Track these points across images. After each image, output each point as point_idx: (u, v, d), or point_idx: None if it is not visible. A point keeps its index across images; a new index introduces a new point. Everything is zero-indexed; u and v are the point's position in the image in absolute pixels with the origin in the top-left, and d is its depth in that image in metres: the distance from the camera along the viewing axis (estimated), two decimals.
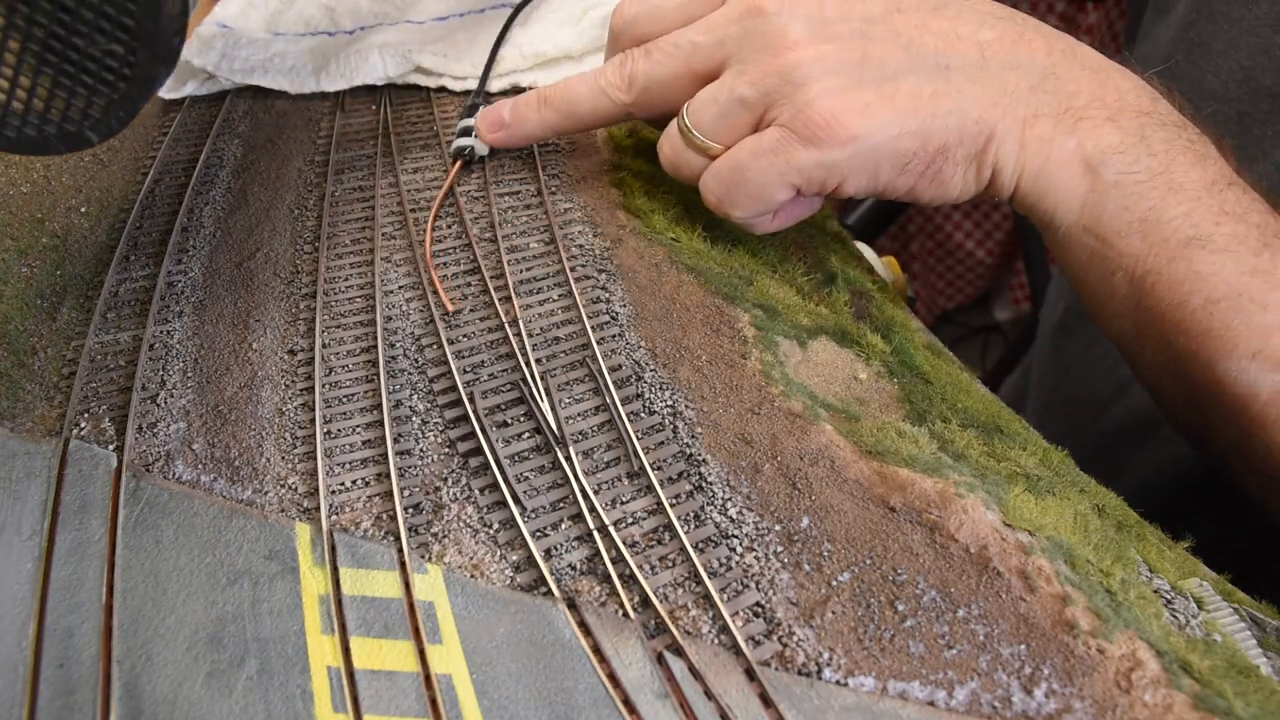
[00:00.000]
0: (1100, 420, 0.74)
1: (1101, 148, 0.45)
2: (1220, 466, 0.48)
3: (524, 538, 0.36)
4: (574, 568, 0.36)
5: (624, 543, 0.36)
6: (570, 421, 0.41)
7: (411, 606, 0.34)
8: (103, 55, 0.36)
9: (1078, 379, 0.79)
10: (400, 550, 0.36)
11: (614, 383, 0.43)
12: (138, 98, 0.37)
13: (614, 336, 0.45)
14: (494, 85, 0.63)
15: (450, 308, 0.44)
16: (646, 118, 0.53)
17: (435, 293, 0.45)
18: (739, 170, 0.46)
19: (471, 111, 0.57)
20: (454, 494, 0.38)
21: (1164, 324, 0.45)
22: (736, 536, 0.37)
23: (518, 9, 0.66)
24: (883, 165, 0.46)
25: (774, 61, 0.45)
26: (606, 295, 0.48)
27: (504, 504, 0.38)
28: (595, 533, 0.37)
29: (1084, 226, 0.46)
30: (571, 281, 0.48)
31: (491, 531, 0.37)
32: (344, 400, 0.42)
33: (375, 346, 0.44)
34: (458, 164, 0.55)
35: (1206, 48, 0.64)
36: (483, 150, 0.56)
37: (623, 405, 0.42)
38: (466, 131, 0.56)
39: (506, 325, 0.46)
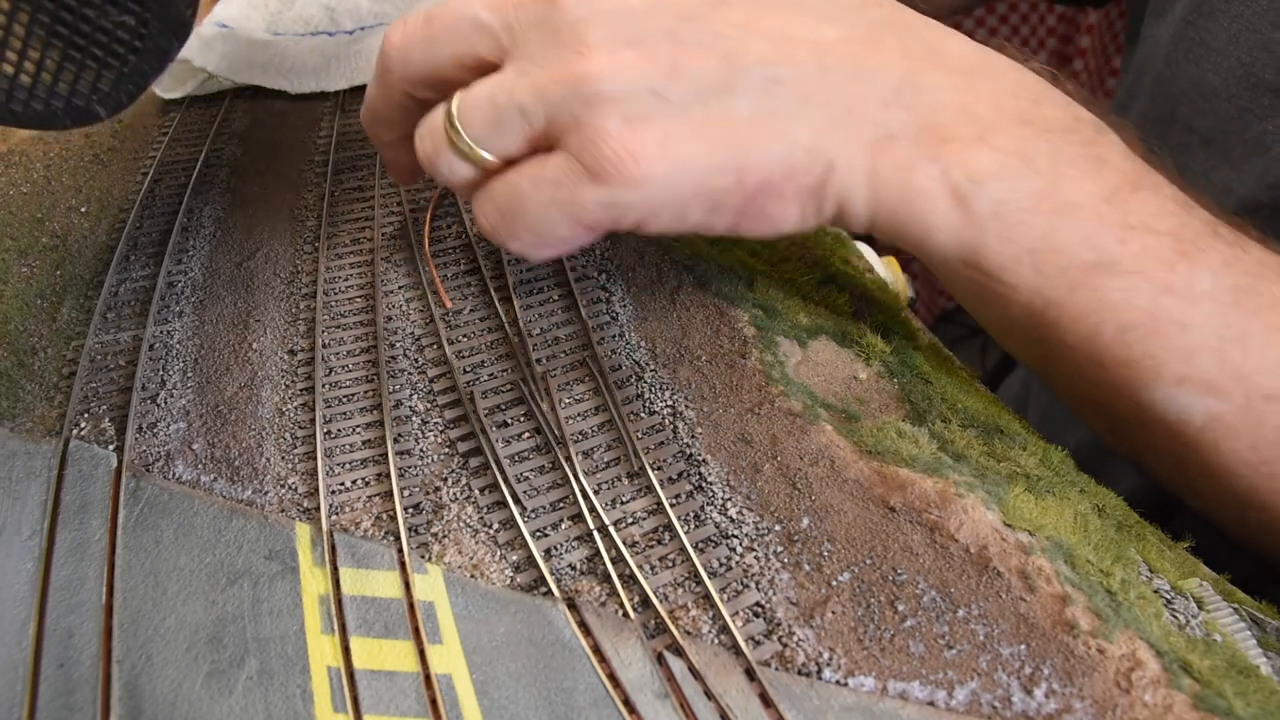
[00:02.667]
0: None
1: (972, 175, 0.38)
2: (1160, 485, 0.45)
3: (524, 538, 0.36)
4: (574, 568, 0.36)
5: (624, 543, 0.36)
6: (570, 421, 0.41)
7: (411, 606, 0.34)
8: (114, 27, 0.35)
9: None
10: (400, 550, 0.36)
11: (614, 383, 0.43)
12: (148, 71, 0.37)
13: (614, 336, 0.45)
14: None
15: (449, 305, 0.44)
16: (425, 96, 0.42)
17: (434, 290, 0.45)
18: (518, 200, 0.38)
19: None
20: (454, 494, 0.38)
21: (1075, 357, 0.40)
22: (736, 536, 0.37)
23: None
24: (690, 205, 0.39)
25: (562, 67, 0.37)
26: (606, 295, 0.48)
27: (504, 504, 0.38)
28: (595, 533, 0.37)
29: (963, 261, 0.40)
30: (571, 281, 0.48)
31: (491, 531, 0.37)
32: (344, 400, 0.42)
33: (375, 346, 0.44)
34: None
35: (1206, 46, 0.65)
36: None
37: (623, 405, 0.42)
38: None
39: (506, 325, 0.46)
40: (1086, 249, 0.39)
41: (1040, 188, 0.39)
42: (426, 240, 0.50)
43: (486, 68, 0.39)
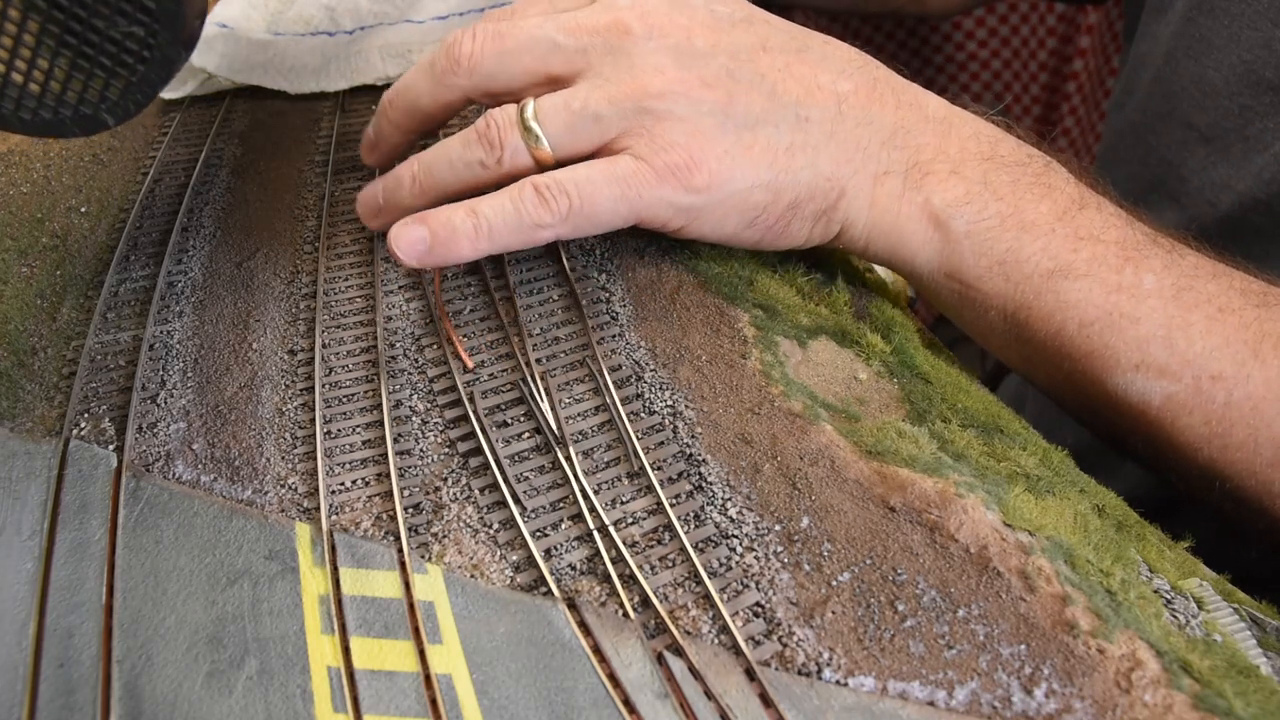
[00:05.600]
0: None
1: (948, 201, 0.45)
2: (1142, 468, 0.49)
3: (524, 538, 0.36)
4: (574, 568, 0.36)
5: (624, 543, 0.36)
6: (570, 421, 0.41)
7: (411, 606, 0.34)
8: (123, 37, 0.35)
9: None
10: (400, 550, 0.36)
11: (614, 383, 0.43)
12: (156, 81, 0.37)
13: (614, 336, 0.45)
14: None
15: (470, 365, 0.44)
16: (482, 102, 0.48)
17: (451, 344, 0.44)
18: (591, 189, 0.43)
19: None
20: (454, 494, 0.38)
21: (1047, 351, 0.46)
22: (736, 536, 0.37)
23: None
24: (731, 216, 0.45)
25: (635, 84, 0.43)
26: (606, 295, 0.48)
27: (504, 504, 0.38)
28: (595, 533, 0.37)
29: (945, 274, 0.47)
30: (572, 281, 0.48)
31: (491, 531, 0.37)
32: (344, 400, 0.42)
33: (375, 346, 0.44)
34: None
35: (1207, 43, 0.65)
36: None
37: (623, 405, 0.42)
38: None
39: (506, 325, 0.46)
40: (1046, 258, 0.45)
41: (1003, 210, 0.46)
42: (438, 290, 0.48)
43: (552, 83, 0.45)
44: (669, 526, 0.37)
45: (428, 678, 0.32)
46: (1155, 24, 0.72)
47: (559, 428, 0.41)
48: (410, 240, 0.44)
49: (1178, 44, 0.68)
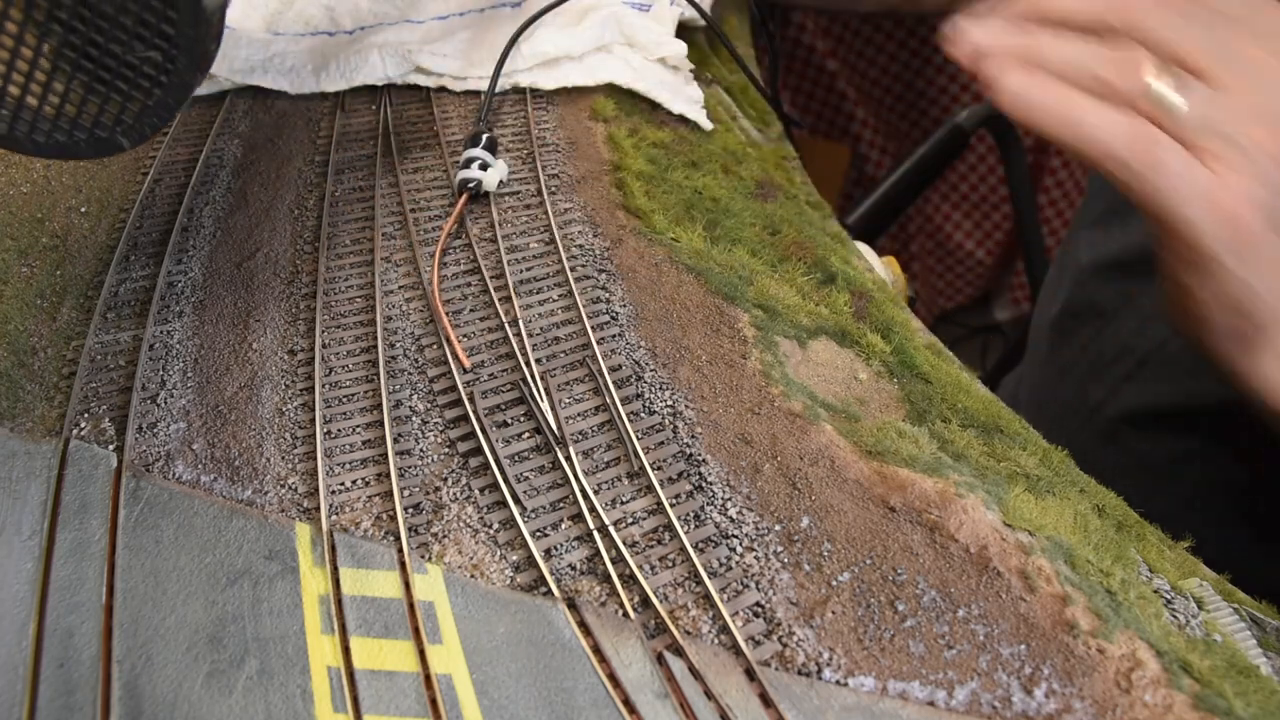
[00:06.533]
0: (1094, 418, 0.74)
1: None
2: None
3: (524, 538, 0.36)
4: (574, 568, 0.36)
5: (624, 543, 0.36)
6: (570, 421, 0.41)
7: (411, 606, 0.34)
8: (140, 62, 0.35)
9: (1073, 378, 0.79)
10: (400, 550, 0.36)
11: (614, 383, 0.43)
12: (173, 104, 0.37)
13: (614, 336, 0.45)
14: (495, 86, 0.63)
15: (467, 364, 0.44)
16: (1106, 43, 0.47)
17: (449, 342, 0.44)
18: (1204, 195, 0.42)
19: (475, 141, 0.55)
20: (454, 494, 0.38)
21: None
22: (736, 536, 0.37)
23: (524, 25, 0.65)
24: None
25: (1264, 131, 0.43)
26: (606, 295, 0.48)
27: (504, 504, 0.38)
28: (595, 533, 0.37)
29: None
30: (571, 281, 0.48)
31: (491, 531, 0.37)
32: (344, 400, 0.42)
33: (375, 346, 0.44)
34: (464, 196, 0.53)
35: None
36: (490, 185, 0.53)
37: (623, 405, 0.42)
38: (471, 162, 0.53)
39: (506, 325, 0.46)
40: None
41: None
42: (437, 290, 0.48)
43: (1170, 61, 0.44)
44: (669, 526, 0.37)
45: (428, 678, 0.32)
46: None
47: (559, 428, 0.41)
48: (1019, 83, 0.43)
49: None
